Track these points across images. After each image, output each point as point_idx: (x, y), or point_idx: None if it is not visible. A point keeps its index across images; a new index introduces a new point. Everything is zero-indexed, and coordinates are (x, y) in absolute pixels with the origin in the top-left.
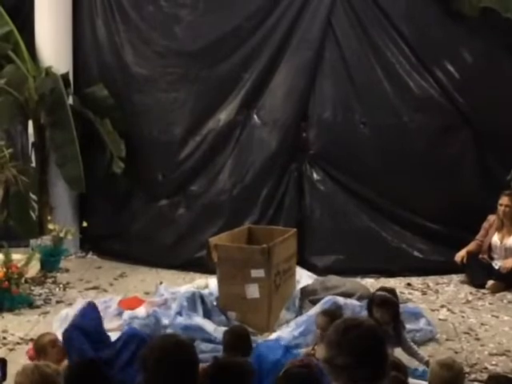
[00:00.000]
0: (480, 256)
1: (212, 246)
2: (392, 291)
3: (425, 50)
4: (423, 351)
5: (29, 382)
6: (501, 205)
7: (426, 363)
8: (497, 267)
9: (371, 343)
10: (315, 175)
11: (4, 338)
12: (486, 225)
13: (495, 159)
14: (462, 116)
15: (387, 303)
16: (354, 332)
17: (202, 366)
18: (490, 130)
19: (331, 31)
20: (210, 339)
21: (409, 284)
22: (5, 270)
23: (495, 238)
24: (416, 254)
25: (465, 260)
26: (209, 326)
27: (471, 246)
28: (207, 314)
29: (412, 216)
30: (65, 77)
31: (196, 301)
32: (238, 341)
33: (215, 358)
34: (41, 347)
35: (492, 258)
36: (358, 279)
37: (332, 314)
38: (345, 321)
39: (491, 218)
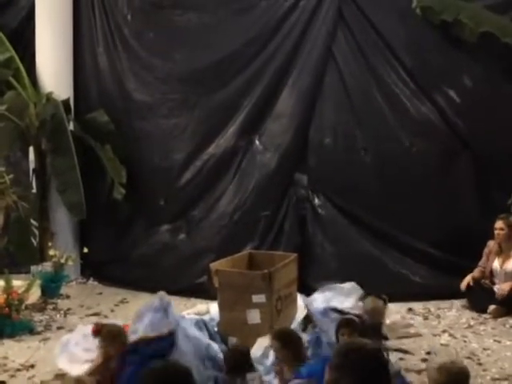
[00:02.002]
0: (483, 281)
1: (213, 272)
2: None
3: (425, 75)
4: (424, 377)
5: None
6: (495, 228)
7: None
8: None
9: (373, 365)
10: (316, 200)
11: (4, 365)
12: (486, 250)
13: (495, 184)
14: (463, 141)
15: (352, 324)
16: (355, 354)
17: None
18: (491, 155)
19: (332, 58)
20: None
21: (410, 309)
22: (5, 296)
23: (496, 263)
24: (417, 279)
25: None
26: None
27: (475, 273)
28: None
29: (413, 241)
30: (65, 103)
31: (202, 328)
32: (239, 359)
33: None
34: (113, 335)
35: (494, 283)
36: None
37: (282, 335)
38: (347, 344)
39: (490, 243)
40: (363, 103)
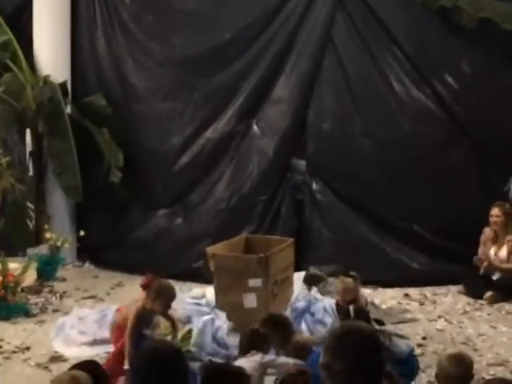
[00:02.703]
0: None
1: (209, 256)
2: None
3: (424, 61)
4: (421, 363)
5: None
6: (491, 215)
7: None
8: (495, 278)
9: (368, 348)
10: (315, 185)
11: (0, 347)
12: (482, 238)
13: (495, 171)
14: (462, 127)
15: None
16: (350, 337)
17: None
18: (490, 142)
19: (331, 42)
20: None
21: (406, 294)
22: (1, 278)
23: (492, 251)
24: (414, 264)
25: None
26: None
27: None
28: None
29: (411, 227)
30: (63, 86)
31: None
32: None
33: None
34: (161, 289)
35: None
36: None
37: (271, 322)
38: (342, 326)
39: (486, 230)
40: (362, 88)
